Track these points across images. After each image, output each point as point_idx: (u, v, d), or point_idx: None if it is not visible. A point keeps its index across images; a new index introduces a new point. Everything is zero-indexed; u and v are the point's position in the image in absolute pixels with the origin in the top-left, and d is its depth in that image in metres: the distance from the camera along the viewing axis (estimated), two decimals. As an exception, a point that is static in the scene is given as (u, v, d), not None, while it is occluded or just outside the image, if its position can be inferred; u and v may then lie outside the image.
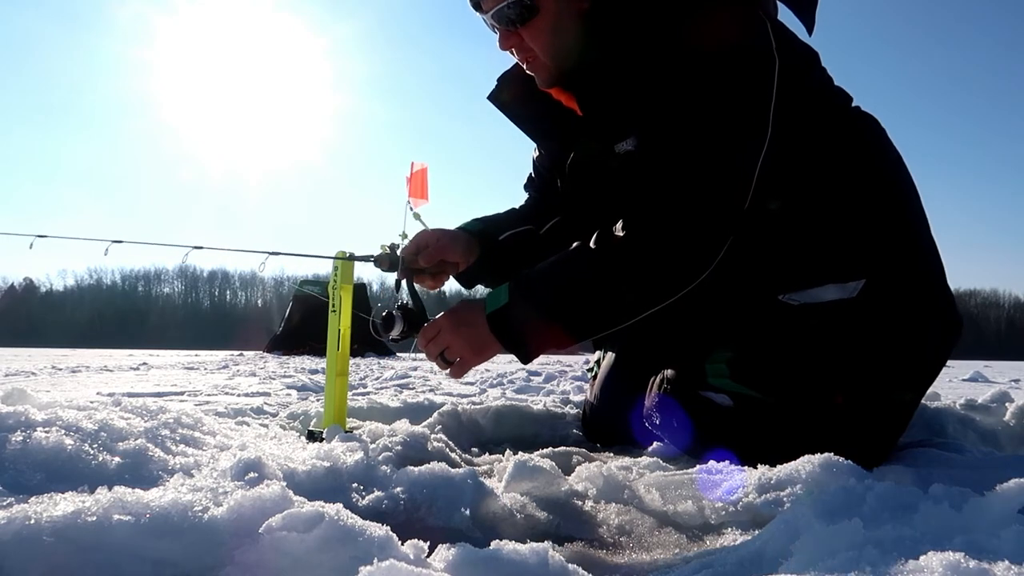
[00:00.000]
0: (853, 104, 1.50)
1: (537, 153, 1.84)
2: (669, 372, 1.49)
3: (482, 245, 1.73)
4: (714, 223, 1.27)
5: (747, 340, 1.41)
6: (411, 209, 1.65)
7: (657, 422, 1.49)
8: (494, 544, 0.71)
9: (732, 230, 1.28)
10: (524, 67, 1.53)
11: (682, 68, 1.30)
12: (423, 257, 1.63)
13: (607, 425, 1.79)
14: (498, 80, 1.69)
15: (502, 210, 1.88)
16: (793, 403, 1.35)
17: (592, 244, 1.31)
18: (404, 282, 1.57)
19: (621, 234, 1.29)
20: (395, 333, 1.49)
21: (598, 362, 1.94)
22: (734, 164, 1.27)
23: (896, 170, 1.47)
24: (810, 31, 1.43)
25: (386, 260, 1.58)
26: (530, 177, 1.91)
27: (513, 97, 1.68)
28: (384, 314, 1.50)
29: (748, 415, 1.37)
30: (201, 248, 1.78)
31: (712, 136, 1.27)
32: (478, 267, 1.73)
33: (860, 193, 1.39)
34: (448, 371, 1.43)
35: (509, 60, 1.66)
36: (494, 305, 1.35)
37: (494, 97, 1.69)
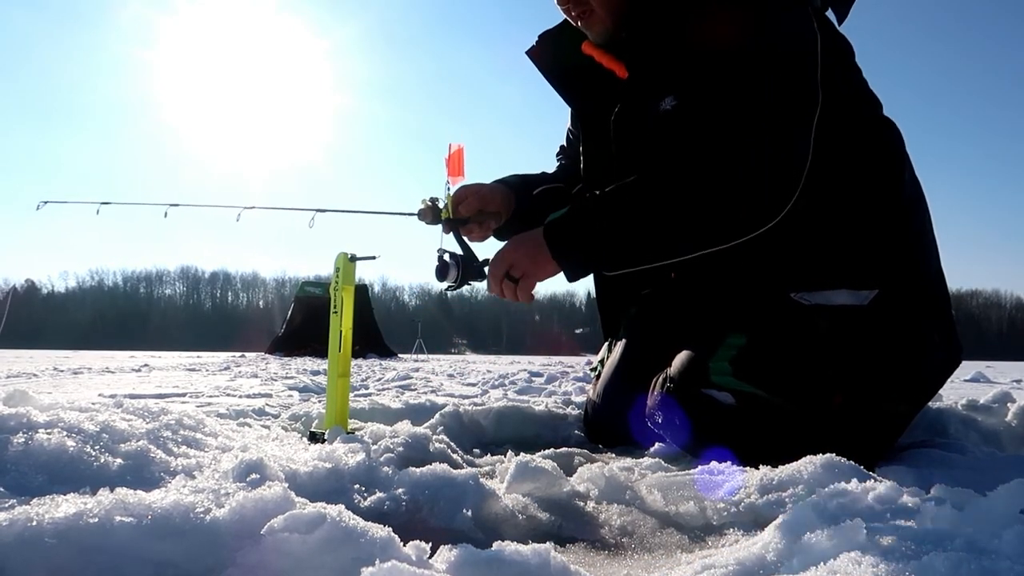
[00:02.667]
0: (883, 111, 1.53)
1: (571, 122, 1.90)
2: (672, 370, 1.49)
3: (518, 199, 1.79)
4: (786, 172, 1.27)
5: (752, 337, 1.42)
6: (449, 188, 1.67)
7: (659, 421, 1.49)
8: (496, 545, 0.71)
9: (798, 186, 1.28)
10: (578, 23, 1.55)
11: (727, 35, 1.33)
12: (463, 207, 1.69)
13: (610, 425, 1.79)
14: (539, 37, 1.73)
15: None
16: (795, 402, 1.35)
17: (651, 177, 1.33)
18: (452, 234, 1.61)
19: (685, 171, 1.30)
20: (451, 279, 1.54)
21: (602, 361, 1.94)
22: (794, 123, 1.28)
23: (915, 185, 1.49)
24: (840, 20, 1.47)
25: (429, 212, 1.63)
26: (562, 147, 2.00)
27: (551, 55, 1.72)
28: (438, 263, 1.53)
29: (750, 414, 1.37)
30: (254, 208, 1.93)
31: (767, 98, 1.28)
32: (512, 220, 1.79)
33: (884, 203, 1.41)
34: (516, 294, 1.47)
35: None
36: (552, 216, 1.39)
37: (533, 53, 1.73)
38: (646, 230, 1.33)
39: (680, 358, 1.50)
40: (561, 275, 1.46)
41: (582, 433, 1.90)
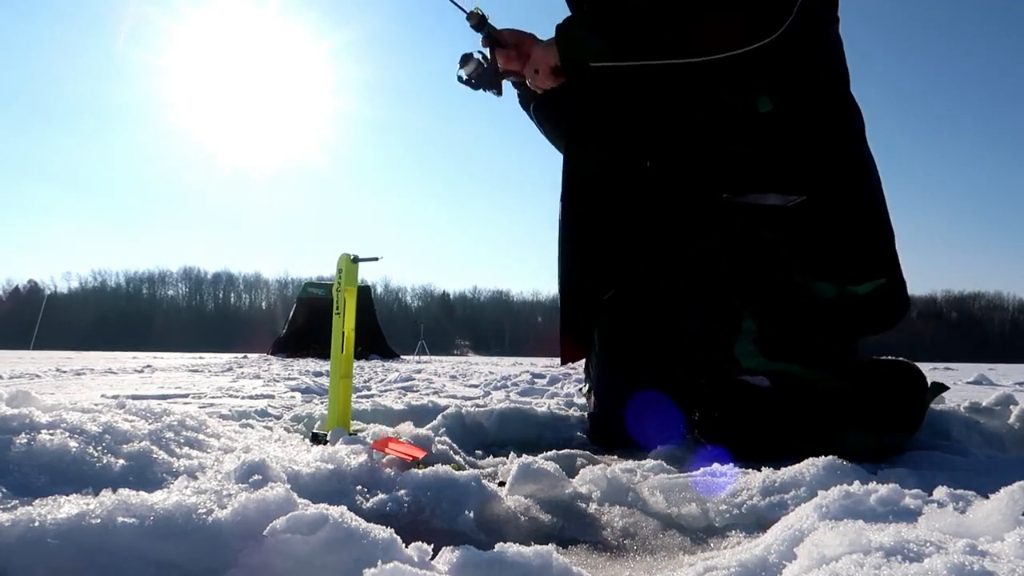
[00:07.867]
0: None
1: None
2: (701, 374, 1.49)
3: None
4: None
5: (762, 317, 1.43)
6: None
7: (708, 430, 1.49)
8: (498, 546, 0.71)
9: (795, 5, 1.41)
10: None
11: None
12: (506, 31, 1.76)
13: (612, 429, 1.79)
14: None
15: None
16: (825, 366, 1.38)
17: None
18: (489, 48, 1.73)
19: None
20: (468, 69, 1.69)
21: (589, 376, 1.95)
22: None
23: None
24: None
25: (476, 16, 1.72)
26: None
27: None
28: (464, 53, 1.69)
29: (786, 392, 1.39)
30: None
31: None
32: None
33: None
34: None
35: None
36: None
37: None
38: (659, 25, 1.45)
39: (701, 360, 1.50)
40: None
41: (584, 435, 1.90)
